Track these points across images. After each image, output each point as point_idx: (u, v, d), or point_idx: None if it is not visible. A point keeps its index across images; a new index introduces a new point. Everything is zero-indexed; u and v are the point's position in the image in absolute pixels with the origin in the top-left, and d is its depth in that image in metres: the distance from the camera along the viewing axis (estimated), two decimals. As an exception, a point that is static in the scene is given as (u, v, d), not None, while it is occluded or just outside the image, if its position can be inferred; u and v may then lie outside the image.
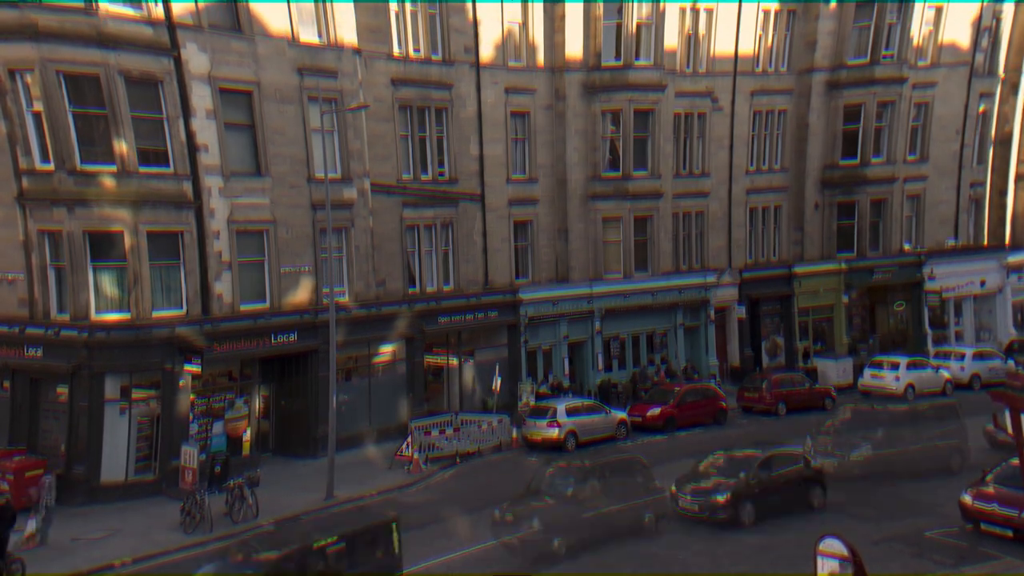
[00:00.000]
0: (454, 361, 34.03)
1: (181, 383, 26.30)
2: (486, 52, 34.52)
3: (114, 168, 25.46)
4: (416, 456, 27.90)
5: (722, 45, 39.87)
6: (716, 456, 23.69)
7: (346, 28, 30.18)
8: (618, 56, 36.70)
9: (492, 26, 34.59)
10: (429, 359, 33.28)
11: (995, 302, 46.78)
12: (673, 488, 22.57)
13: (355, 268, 30.71)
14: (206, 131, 27.04)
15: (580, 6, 36.21)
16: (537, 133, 36.44)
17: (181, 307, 26.76)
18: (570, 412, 30.28)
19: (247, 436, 28.43)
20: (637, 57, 36.81)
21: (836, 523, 20.25)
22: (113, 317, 25.81)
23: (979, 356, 39.80)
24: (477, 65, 34.22)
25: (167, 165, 26.40)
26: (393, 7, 31.92)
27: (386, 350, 31.87)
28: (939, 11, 44.04)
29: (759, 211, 42.36)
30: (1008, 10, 47.07)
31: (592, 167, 37.12)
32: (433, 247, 33.57)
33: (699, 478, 22.74)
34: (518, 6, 35.44)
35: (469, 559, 19.97)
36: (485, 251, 34.96)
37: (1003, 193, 48.84)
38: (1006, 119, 48.43)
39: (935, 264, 44.15)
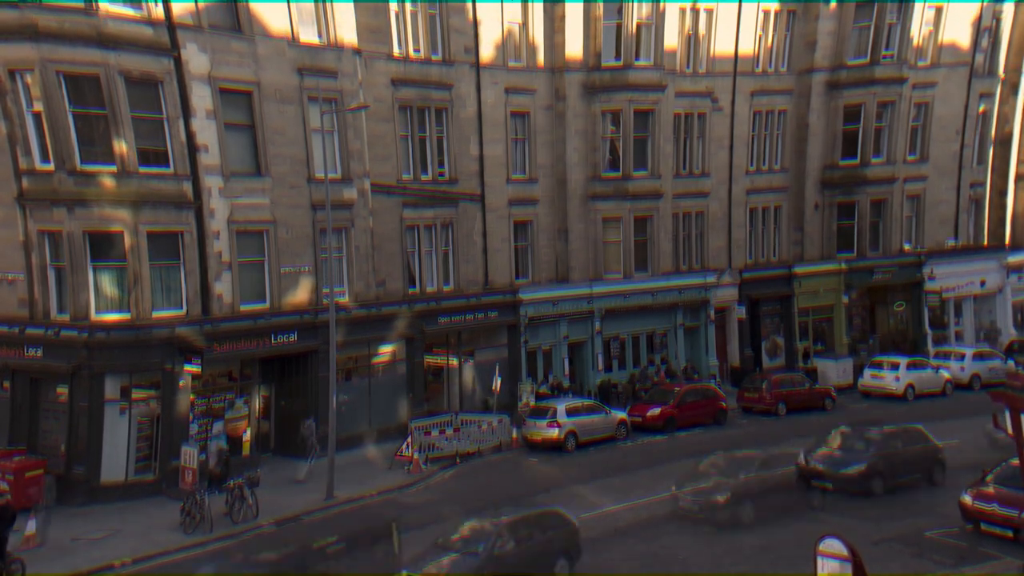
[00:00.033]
0: (454, 361, 34.03)
1: (181, 383, 26.31)
2: (486, 52, 34.52)
3: (114, 168, 25.46)
4: (416, 456, 27.90)
5: (722, 45, 39.87)
6: (716, 456, 23.71)
7: (346, 28, 30.18)
8: (618, 56, 36.71)
9: (492, 26, 34.59)
10: (429, 359, 33.28)
11: (995, 302, 46.78)
12: (674, 488, 22.56)
13: (355, 268, 30.71)
14: (206, 131, 27.05)
15: (580, 6, 36.22)
16: (537, 133, 36.44)
17: (181, 307, 26.76)
18: (570, 412, 30.28)
19: (247, 436, 28.42)
20: (637, 57, 36.81)
21: (836, 523, 20.28)
22: (113, 317, 25.81)
23: (979, 356, 39.80)
24: (477, 65, 34.22)
25: (167, 165, 26.41)
26: (393, 7, 31.93)
27: (386, 350, 31.87)
28: (939, 11, 44.04)
29: (759, 211, 42.36)
30: (1008, 10, 47.07)
31: (592, 167, 37.12)
32: (433, 247, 33.57)
33: (699, 478, 22.72)
34: (518, 6, 35.45)
35: (469, 559, 19.91)
36: (485, 251, 34.96)
37: (1003, 193, 48.84)
38: (1006, 119, 48.43)
39: (935, 264, 44.15)
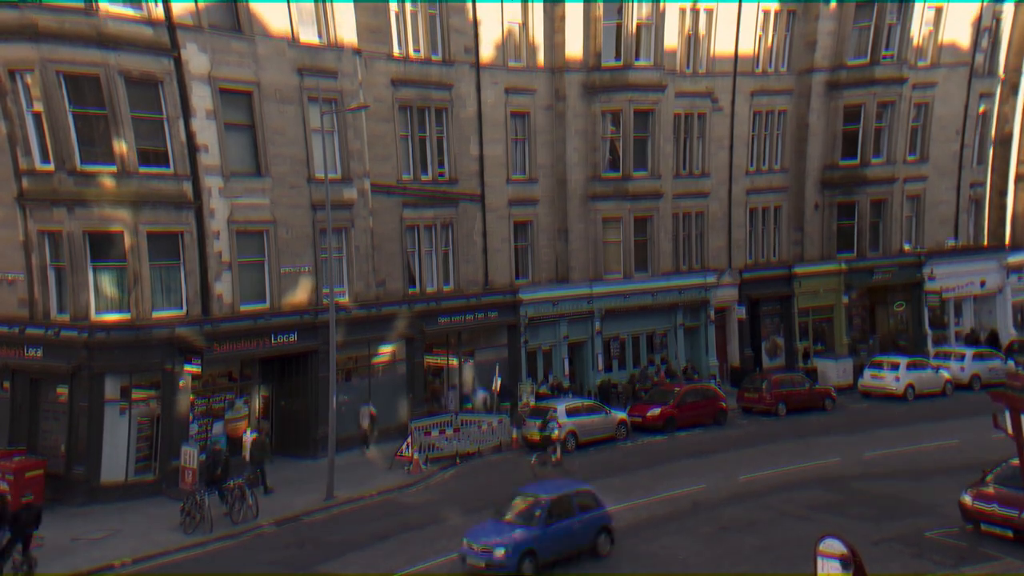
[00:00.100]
0: (454, 361, 34.03)
1: (181, 383, 26.31)
2: (486, 52, 34.52)
3: (114, 168, 25.45)
4: (416, 456, 27.90)
5: (722, 45, 39.86)
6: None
7: (346, 28, 30.18)
8: (618, 56, 36.70)
9: (492, 26, 34.59)
10: (429, 359, 33.28)
11: (995, 303, 46.77)
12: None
13: (355, 268, 30.71)
14: (206, 131, 27.04)
15: (580, 6, 36.21)
16: (537, 133, 36.44)
17: (181, 307, 26.75)
18: (570, 412, 30.27)
19: (247, 436, 28.39)
20: (637, 57, 36.80)
21: (836, 523, 20.29)
22: (113, 317, 25.81)
23: (979, 356, 39.79)
24: (477, 65, 34.21)
25: (167, 165, 26.40)
26: (393, 7, 31.92)
27: (386, 350, 31.86)
28: (939, 11, 44.02)
29: (759, 211, 42.36)
30: (1008, 10, 47.06)
31: (592, 167, 37.12)
32: (433, 247, 33.57)
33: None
34: (518, 6, 35.44)
35: (469, 559, 19.94)
36: (485, 251, 34.95)
37: (1003, 193, 48.83)
38: (1006, 119, 48.42)
39: (935, 264, 44.14)
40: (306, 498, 24.96)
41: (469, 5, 33.72)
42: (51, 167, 25.30)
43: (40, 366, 25.87)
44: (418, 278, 33.14)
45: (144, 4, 25.75)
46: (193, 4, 26.64)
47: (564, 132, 36.79)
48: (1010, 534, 19.65)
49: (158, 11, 25.97)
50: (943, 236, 46.21)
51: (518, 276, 36.18)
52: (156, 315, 26.12)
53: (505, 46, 35.13)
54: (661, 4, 36.94)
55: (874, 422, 33.06)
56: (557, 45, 36.45)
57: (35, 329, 25.90)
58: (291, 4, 28.77)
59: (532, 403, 32.53)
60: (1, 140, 25.79)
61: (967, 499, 20.66)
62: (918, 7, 42.55)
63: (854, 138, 42.27)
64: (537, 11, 35.95)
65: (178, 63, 26.38)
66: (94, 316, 25.59)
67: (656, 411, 32.52)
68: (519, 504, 20.16)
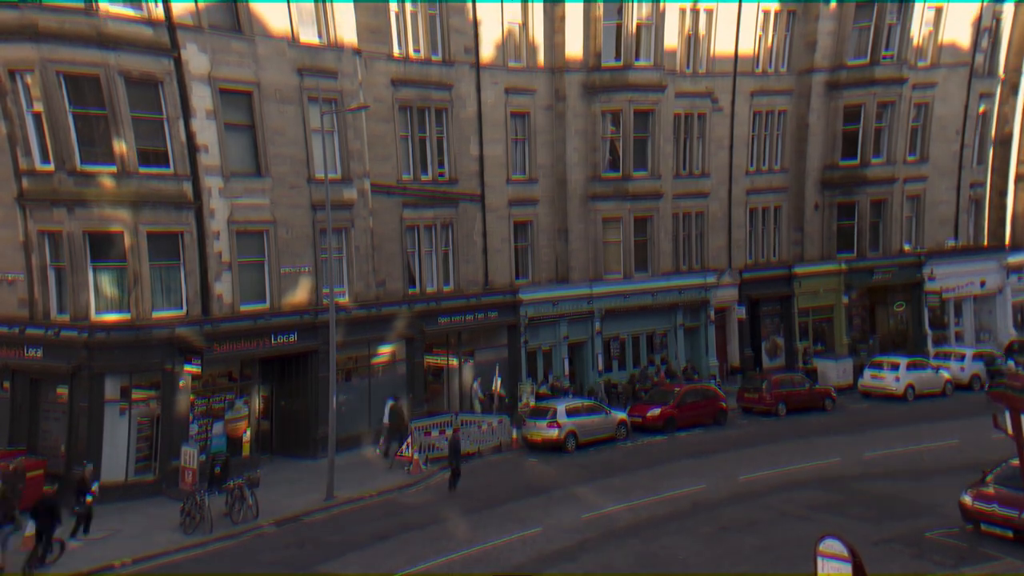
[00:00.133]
0: (454, 361, 34.03)
1: (181, 383, 26.30)
2: (486, 52, 34.53)
3: (114, 168, 25.45)
4: (416, 456, 27.89)
5: (722, 45, 39.88)
6: None
7: (346, 28, 30.18)
8: (618, 56, 36.71)
9: (492, 26, 34.60)
10: (429, 359, 33.28)
11: (995, 303, 46.78)
12: None
13: (355, 268, 30.71)
14: (206, 131, 27.04)
15: (580, 6, 36.22)
16: (537, 133, 36.45)
17: (181, 307, 26.75)
18: (570, 413, 30.26)
19: (247, 437, 28.41)
20: (637, 57, 36.82)
21: (836, 523, 20.29)
22: (113, 317, 25.80)
23: (979, 357, 39.79)
24: (477, 65, 34.22)
25: (167, 165, 26.40)
26: (393, 7, 31.93)
27: (386, 350, 31.86)
28: (939, 11, 44.04)
29: (759, 211, 42.37)
30: (1008, 10, 47.09)
31: (592, 167, 37.12)
32: (433, 247, 33.57)
33: None
34: (518, 6, 35.45)
35: (469, 559, 19.97)
36: (485, 251, 34.96)
37: (1003, 193, 48.84)
38: (1006, 119, 48.44)
39: (935, 264, 44.16)
40: (306, 498, 24.96)
41: (469, 5, 33.73)
42: (51, 167, 25.30)
43: (40, 366, 25.87)
44: (418, 278, 33.14)
45: (144, 4, 25.75)
46: (193, 4, 26.64)
47: (564, 132, 36.80)
48: (1010, 534, 19.64)
49: (158, 11, 25.97)
50: (943, 236, 46.22)
51: (518, 276, 36.19)
52: (156, 315, 26.12)
53: (505, 46, 35.14)
54: (661, 4, 36.95)
55: (874, 422, 33.07)
56: (557, 45, 36.46)
57: (35, 329, 25.90)
58: (291, 4, 28.78)
59: (532, 403, 32.56)
60: (1, 140, 25.79)
61: (967, 499, 20.64)
62: (918, 7, 42.58)
63: (854, 138, 42.30)
64: (537, 11, 35.96)
65: (178, 63, 26.38)
66: (94, 316, 25.59)
67: (656, 411, 32.52)
68: None
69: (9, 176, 25.92)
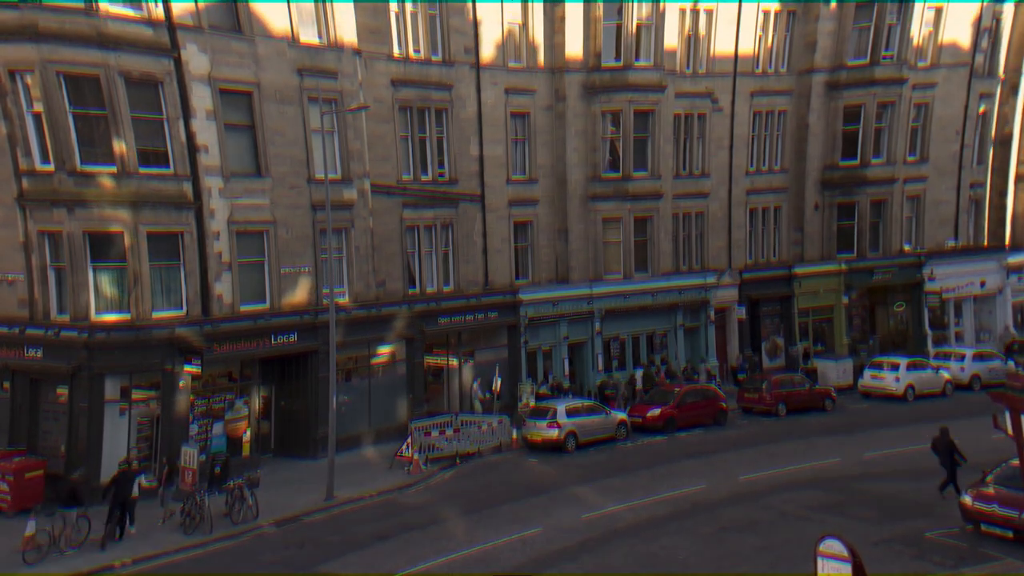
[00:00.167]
0: (454, 362, 34.03)
1: (181, 384, 26.30)
2: (486, 53, 34.53)
3: (114, 169, 25.45)
4: (416, 457, 27.88)
5: (722, 46, 39.89)
6: None
7: (346, 29, 30.18)
8: (618, 57, 36.72)
9: (492, 27, 34.60)
10: (429, 360, 33.28)
11: (995, 303, 46.78)
12: None
13: (355, 269, 30.71)
14: (206, 132, 27.04)
15: (580, 7, 36.23)
16: (537, 133, 36.45)
17: (181, 308, 26.75)
18: (570, 413, 30.25)
19: (247, 437, 28.42)
20: (637, 58, 36.82)
21: (836, 523, 20.28)
22: (113, 318, 25.80)
23: (979, 357, 39.79)
24: (477, 66, 34.23)
25: (167, 166, 26.40)
26: (393, 7, 31.94)
27: (386, 351, 31.86)
28: (939, 12, 44.05)
29: (759, 212, 42.37)
30: (1008, 10, 47.10)
31: (592, 167, 37.13)
32: (433, 248, 33.57)
33: None
34: (518, 6, 35.46)
35: (469, 559, 19.97)
36: (485, 252, 34.96)
37: (1003, 194, 48.85)
38: (1006, 120, 48.44)
39: (935, 265, 44.16)
40: (306, 498, 24.95)
41: (469, 5, 33.73)
42: (51, 167, 25.30)
43: (40, 366, 25.86)
44: (418, 278, 33.14)
45: (144, 4, 25.75)
46: (193, 4, 26.65)
47: (564, 132, 36.80)
48: (1010, 534, 19.63)
49: (158, 11, 25.98)
50: (943, 236, 46.23)
51: (518, 276, 36.19)
52: (156, 315, 26.11)
53: (505, 46, 35.14)
54: (661, 4, 36.96)
55: (874, 422, 33.07)
56: (557, 45, 36.47)
57: (35, 329, 25.89)
58: (291, 4, 28.78)
59: (532, 403, 32.55)
60: (1, 140, 25.79)
61: (967, 499, 20.64)
62: (918, 7, 42.59)
63: (854, 138, 42.31)
64: (537, 11, 35.96)
65: (178, 63, 26.38)
66: (94, 316, 25.59)
67: (656, 411, 32.51)
68: None
69: (9, 176, 25.92)
